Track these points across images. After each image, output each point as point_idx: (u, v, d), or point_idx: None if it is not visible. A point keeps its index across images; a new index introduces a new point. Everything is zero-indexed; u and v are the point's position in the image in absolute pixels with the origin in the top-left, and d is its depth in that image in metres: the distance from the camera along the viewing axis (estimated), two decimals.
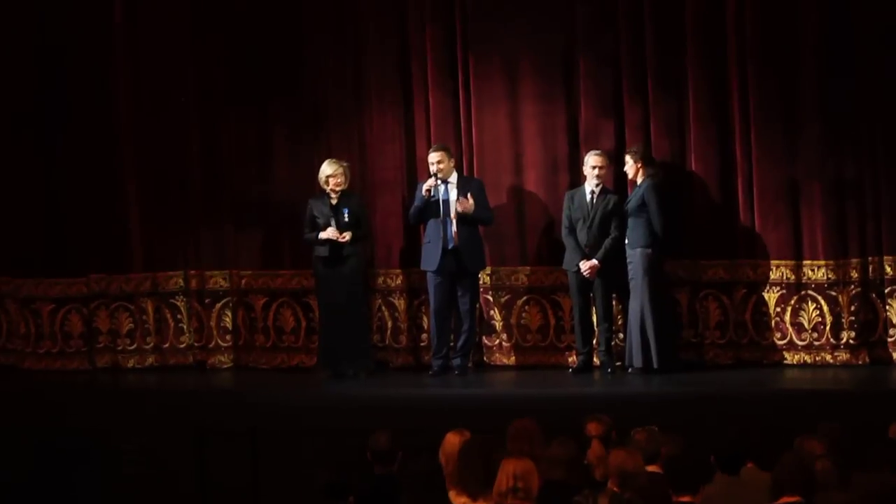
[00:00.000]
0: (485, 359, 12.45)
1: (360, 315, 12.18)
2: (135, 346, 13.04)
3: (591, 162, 11.83)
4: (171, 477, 10.47)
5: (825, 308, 11.71)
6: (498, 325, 12.40)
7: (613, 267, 11.76)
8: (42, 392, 12.38)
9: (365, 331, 12.28)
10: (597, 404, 9.74)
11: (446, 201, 11.92)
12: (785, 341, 11.82)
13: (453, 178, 11.99)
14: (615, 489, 6.99)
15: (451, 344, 12.12)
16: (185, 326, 13.01)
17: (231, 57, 12.78)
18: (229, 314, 12.91)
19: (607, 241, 11.79)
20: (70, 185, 12.95)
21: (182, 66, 12.85)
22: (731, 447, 7.41)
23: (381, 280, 12.62)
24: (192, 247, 12.97)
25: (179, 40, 12.84)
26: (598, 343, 11.92)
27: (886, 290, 11.71)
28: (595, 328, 11.94)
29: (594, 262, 11.76)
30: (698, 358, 11.93)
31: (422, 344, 12.53)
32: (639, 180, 11.73)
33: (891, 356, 11.69)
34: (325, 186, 12.07)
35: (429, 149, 12.16)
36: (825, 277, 11.71)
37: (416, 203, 12.04)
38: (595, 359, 11.97)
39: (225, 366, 12.92)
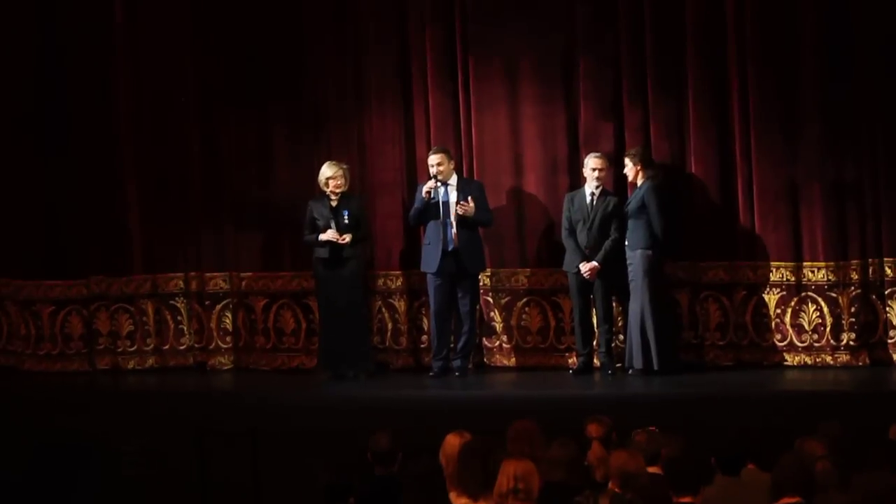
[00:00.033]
0: (485, 360, 12.45)
1: (360, 317, 12.18)
2: (135, 347, 13.04)
3: (591, 164, 11.83)
4: (172, 478, 10.45)
5: (825, 309, 11.71)
6: (498, 326, 12.40)
7: (613, 268, 11.77)
8: (42, 394, 12.39)
9: (365, 332, 12.28)
10: (597, 405, 9.75)
11: (446, 203, 11.92)
12: (785, 343, 11.82)
13: (453, 179, 11.99)
14: (616, 490, 6.99)
15: (452, 345, 12.12)
16: (185, 328, 13.01)
17: (231, 57, 12.79)
18: (229, 316, 12.91)
19: (607, 243, 11.79)
20: (70, 186, 12.95)
21: (182, 66, 12.86)
22: (732, 448, 7.40)
23: (381, 282, 12.62)
24: (193, 248, 12.97)
25: (180, 40, 12.85)
26: (598, 344, 11.93)
27: (887, 292, 11.71)
28: (595, 330, 11.94)
29: (594, 263, 11.76)
30: (698, 359, 11.94)
31: (422, 345, 12.53)
32: (639, 182, 11.73)
33: (891, 357, 11.69)
34: (325, 188, 12.07)
35: (429, 151, 12.16)
36: (825, 279, 11.71)
37: (416, 205, 12.04)
38: (595, 360, 11.98)
39: (225, 367, 12.92)
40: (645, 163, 11.73)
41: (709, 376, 11.66)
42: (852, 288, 11.72)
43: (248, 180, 12.83)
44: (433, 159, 11.94)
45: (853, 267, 11.71)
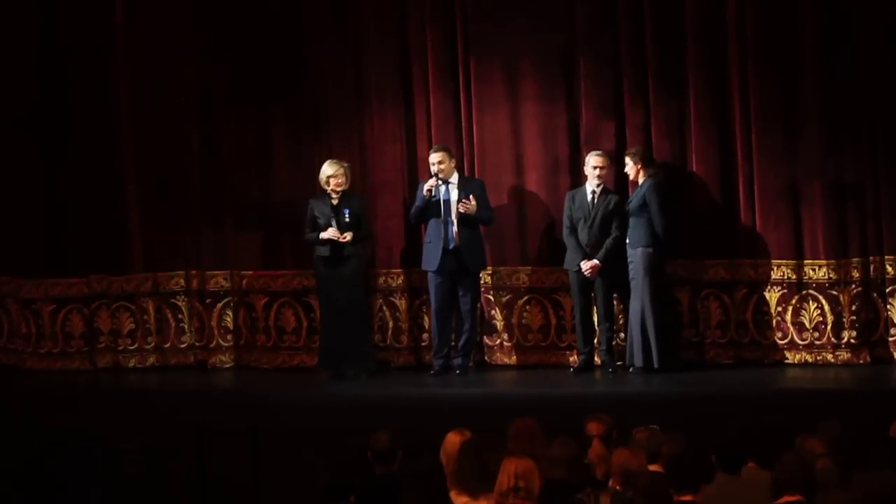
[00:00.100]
0: (486, 358, 12.45)
1: (361, 315, 12.18)
2: (136, 346, 13.04)
3: (592, 162, 11.84)
4: (173, 477, 10.46)
5: (826, 307, 11.71)
6: (499, 324, 12.41)
7: (614, 267, 11.77)
8: (43, 392, 12.39)
9: (366, 331, 12.28)
10: (598, 404, 9.74)
11: (447, 202, 11.93)
12: (786, 341, 11.83)
13: (454, 178, 12.00)
14: (617, 488, 7.00)
15: (452, 344, 12.13)
16: (186, 326, 13.01)
17: (231, 57, 12.79)
18: (230, 314, 12.92)
19: (608, 241, 11.80)
20: (71, 185, 12.96)
21: (182, 66, 12.86)
22: (732, 446, 7.40)
23: (382, 280, 12.62)
24: (193, 247, 12.97)
25: (180, 40, 12.85)
26: (599, 343, 11.93)
27: (887, 290, 11.71)
28: (596, 328, 11.94)
29: (595, 261, 11.76)
30: (699, 357, 11.94)
31: (423, 344, 12.54)
32: (640, 181, 11.73)
33: (892, 355, 11.69)
34: (326, 187, 12.07)
35: (429, 149, 12.17)
36: (826, 277, 11.71)
37: (417, 203, 12.05)
38: (596, 358, 11.98)
39: (226, 366, 12.93)
40: (645, 162, 11.73)
41: (709, 374, 11.67)
42: (853, 286, 11.72)
43: (248, 180, 12.82)
44: (434, 158, 11.95)
45: (854, 265, 11.71)
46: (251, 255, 12.86)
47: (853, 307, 11.70)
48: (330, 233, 11.95)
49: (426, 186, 11.92)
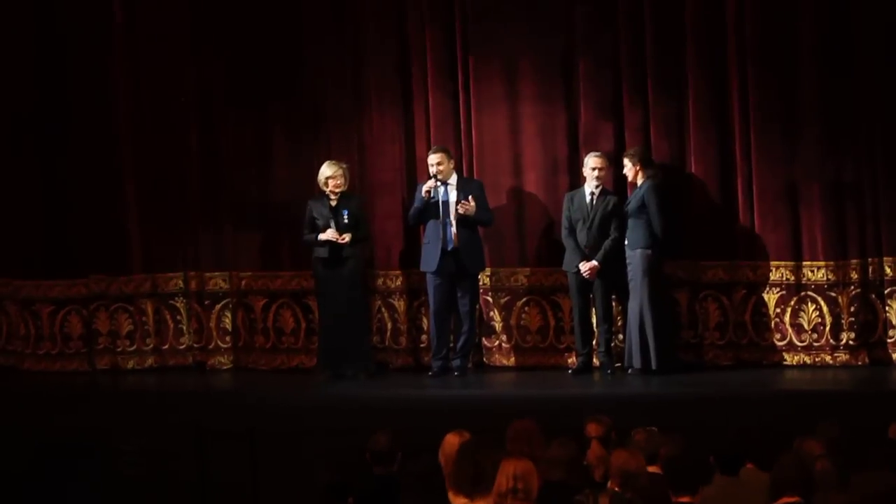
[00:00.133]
0: (484, 360, 12.45)
1: (359, 316, 12.17)
2: (134, 347, 13.04)
3: (591, 163, 11.84)
4: (171, 478, 10.45)
5: (825, 309, 11.71)
6: (498, 326, 12.40)
7: (613, 268, 11.77)
8: (42, 393, 12.39)
9: (364, 332, 12.28)
10: (596, 405, 9.74)
11: (446, 202, 11.92)
12: (784, 342, 11.82)
13: (453, 179, 12.00)
14: (616, 489, 6.99)
15: (451, 345, 12.13)
16: (184, 327, 13.01)
17: (231, 57, 12.78)
18: (229, 315, 12.91)
19: (607, 242, 11.79)
20: (69, 185, 12.96)
21: (182, 66, 12.85)
22: (731, 448, 7.40)
23: (380, 281, 12.62)
24: (192, 248, 12.97)
25: (179, 40, 12.85)
26: (597, 344, 11.93)
27: (886, 291, 11.71)
28: (595, 329, 11.94)
29: (594, 263, 11.76)
30: (698, 359, 11.93)
31: (421, 345, 12.53)
32: (638, 182, 11.73)
33: (890, 357, 11.69)
34: (325, 188, 12.07)
35: (428, 150, 12.16)
36: (825, 278, 11.71)
37: (416, 204, 12.04)
38: (595, 360, 11.98)
39: (225, 367, 12.92)
40: (644, 162, 11.73)
41: (708, 376, 11.66)
42: (852, 287, 11.72)
43: (247, 180, 12.82)
44: (433, 159, 11.95)
45: (853, 266, 11.71)
46: (250, 256, 12.86)
47: (852, 308, 11.70)
48: (328, 234, 11.95)
49: (425, 187, 11.91)
